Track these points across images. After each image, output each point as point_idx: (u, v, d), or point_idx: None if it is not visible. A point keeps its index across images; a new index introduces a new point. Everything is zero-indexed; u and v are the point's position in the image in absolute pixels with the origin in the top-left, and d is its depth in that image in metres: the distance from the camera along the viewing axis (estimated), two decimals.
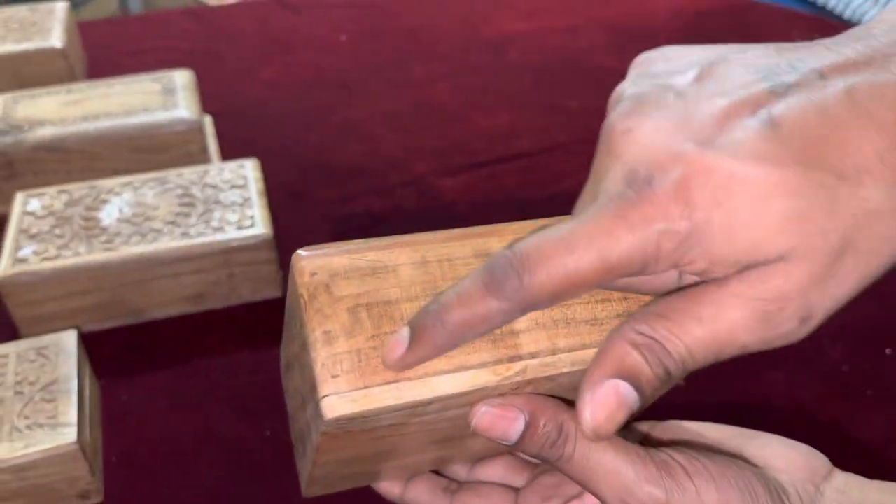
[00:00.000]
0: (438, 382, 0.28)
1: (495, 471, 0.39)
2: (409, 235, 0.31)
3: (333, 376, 0.28)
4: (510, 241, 0.30)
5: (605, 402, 0.27)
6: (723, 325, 0.26)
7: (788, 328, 0.27)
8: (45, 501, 0.48)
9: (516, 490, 0.38)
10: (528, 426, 0.29)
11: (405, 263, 0.30)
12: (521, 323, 0.29)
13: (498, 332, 0.29)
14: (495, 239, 0.31)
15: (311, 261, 0.29)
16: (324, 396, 0.27)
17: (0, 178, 0.70)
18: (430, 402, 0.28)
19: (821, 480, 0.32)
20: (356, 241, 0.30)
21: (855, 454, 0.51)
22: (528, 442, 0.30)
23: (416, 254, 0.30)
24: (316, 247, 0.30)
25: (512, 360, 0.29)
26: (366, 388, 0.28)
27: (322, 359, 0.28)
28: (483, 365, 0.29)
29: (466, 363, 0.29)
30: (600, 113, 0.30)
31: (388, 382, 0.28)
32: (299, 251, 0.30)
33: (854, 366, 0.57)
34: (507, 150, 0.79)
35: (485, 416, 0.29)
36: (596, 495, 0.30)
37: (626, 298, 0.31)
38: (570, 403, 0.30)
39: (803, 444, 0.33)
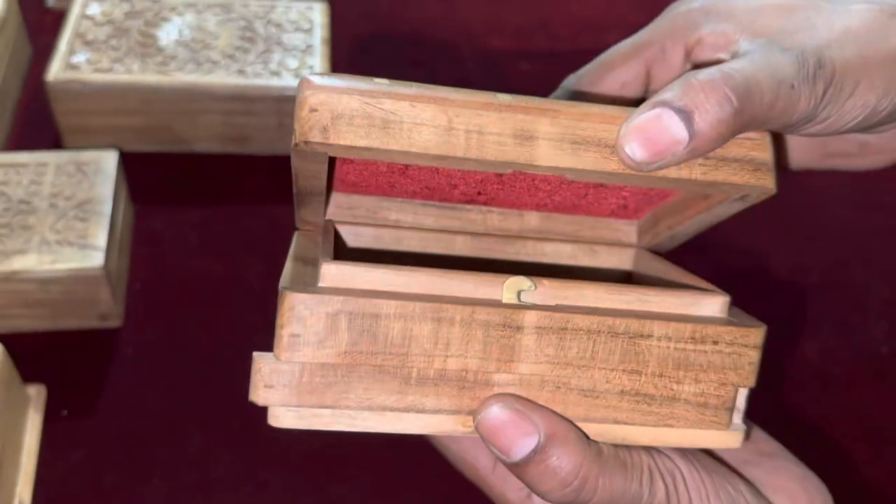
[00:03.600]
0: (389, 419, 0.25)
1: None
2: (443, 89, 0.25)
3: (267, 386, 0.25)
4: (563, 123, 0.25)
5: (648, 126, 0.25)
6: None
7: None
8: (66, 315, 0.49)
9: None
10: (538, 450, 0.25)
11: (426, 124, 0.24)
12: (504, 376, 0.26)
13: (472, 379, 0.26)
14: (546, 120, 0.25)
15: (317, 92, 0.24)
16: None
17: None
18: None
19: None
20: (381, 80, 0.25)
21: (869, 437, 0.50)
22: (532, 470, 0.25)
23: (444, 115, 0.25)
24: (333, 76, 0.25)
25: (471, 414, 0.26)
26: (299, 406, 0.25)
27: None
28: (437, 411, 0.25)
29: (419, 405, 0.25)
30: None
31: (326, 407, 0.25)
32: (310, 76, 0.25)
33: (894, 349, 0.55)
34: (592, 42, 0.74)
35: (494, 418, 0.25)
36: None
37: (638, 373, 0.26)
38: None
39: (812, 475, 0.32)
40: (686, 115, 0.25)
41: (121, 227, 0.51)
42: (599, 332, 0.26)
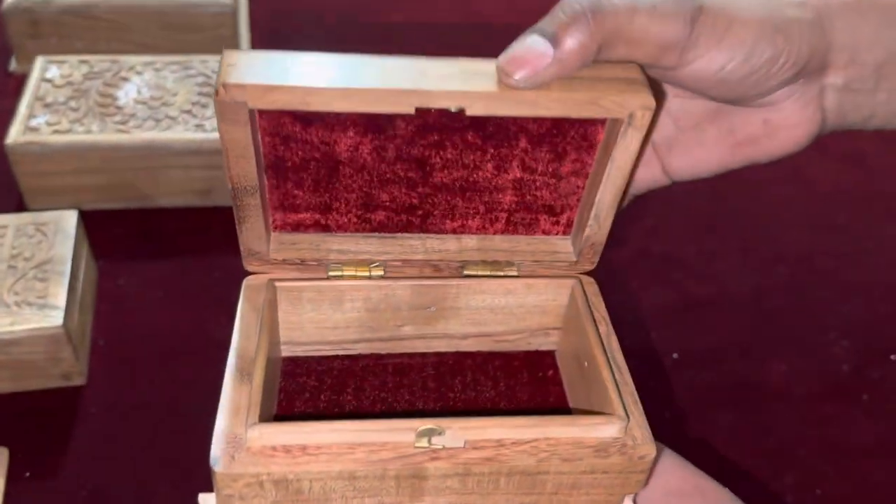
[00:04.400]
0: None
1: None
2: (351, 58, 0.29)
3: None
4: (457, 65, 0.29)
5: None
6: None
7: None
8: (28, 376, 0.49)
9: None
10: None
11: (333, 67, 0.29)
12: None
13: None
14: (442, 63, 0.29)
15: (236, 52, 0.29)
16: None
17: (25, 35, 0.68)
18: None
19: None
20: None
21: (834, 458, 0.50)
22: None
23: (349, 64, 0.29)
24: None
25: None
26: None
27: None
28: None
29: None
30: None
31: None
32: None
33: (855, 367, 0.55)
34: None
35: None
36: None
37: (537, 494, 0.31)
38: None
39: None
40: (550, 34, 0.29)
41: (82, 285, 0.51)
42: (500, 473, 0.29)
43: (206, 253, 0.59)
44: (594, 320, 0.34)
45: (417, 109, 0.29)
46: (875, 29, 0.32)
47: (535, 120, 0.32)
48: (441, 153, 0.33)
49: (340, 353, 0.37)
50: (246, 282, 0.35)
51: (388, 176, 0.33)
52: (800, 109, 0.33)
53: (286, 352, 0.37)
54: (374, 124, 0.31)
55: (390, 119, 0.31)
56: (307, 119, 0.31)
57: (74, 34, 0.69)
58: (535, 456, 0.29)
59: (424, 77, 0.29)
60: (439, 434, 0.29)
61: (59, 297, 0.48)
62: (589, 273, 0.37)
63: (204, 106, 0.60)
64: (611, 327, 0.35)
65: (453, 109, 0.30)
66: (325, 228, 0.35)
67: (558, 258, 0.36)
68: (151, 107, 0.59)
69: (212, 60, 0.64)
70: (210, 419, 0.52)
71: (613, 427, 0.30)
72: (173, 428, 0.49)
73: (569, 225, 0.36)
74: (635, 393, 0.32)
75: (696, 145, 0.35)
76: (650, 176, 0.37)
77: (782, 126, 0.33)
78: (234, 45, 0.71)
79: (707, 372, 0.55)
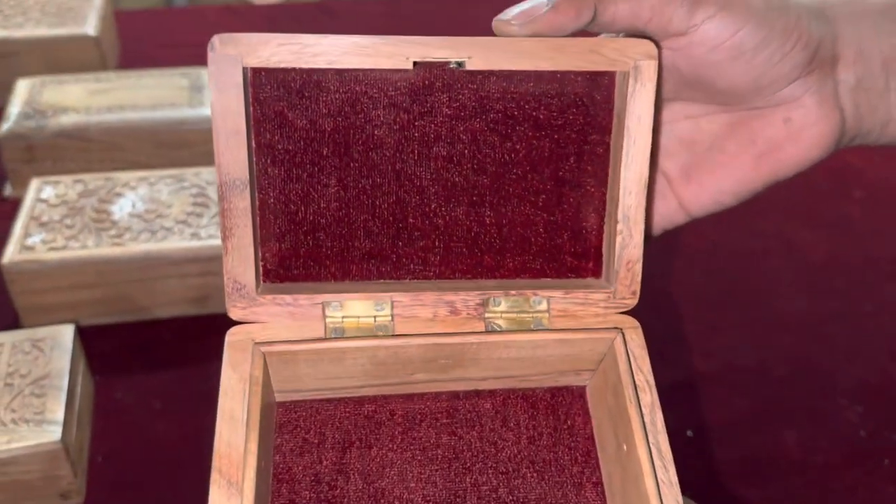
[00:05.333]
0: None
1: None
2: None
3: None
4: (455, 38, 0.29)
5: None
6: None
7: None
8: (25, 498, 0.47)
9: None
10: None
11: (338, 39, 0.29)
12: None
13: None
14: (443, 39, 0.29)
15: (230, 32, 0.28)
16: None
17: (20, 161, 0.70)
18: None
19: None
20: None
21: None
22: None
23: (361, 41, 0.29)
24: None
25: None
26: None
27: None
28: None
29: None
30: None
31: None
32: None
33: (871, 432, 0.54)
34: None
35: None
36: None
37: None
38: None
39: None
40: None
41: (79, 400, 0.50)
42: None
43: (203, 361, 0.58)
44: (637, 390, 0.31)
45: (415, 63, 0.28)
46: (876, 22, 0.33)
47: (544, 105, 0.31)
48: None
49: (343, 396, 0.33)
50: (228, 337, 0.31)
51: (393, 197, 0.31)
52: (818, 106, 0.33)
53: (280, 398, 0.33)
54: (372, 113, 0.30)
55: (391, 107, 0.30)
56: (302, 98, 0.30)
57: (69, 156, 0.70)
58: None
59: (423, 40, 0.29)
60: None
61: (57, 412, 0.47)
62: (632, 313, 0.34)
63: (199, 216, 0.61)
64: (655, 396, 0.31)
65: (453, 63, 0.29)
66: (321, 261, 0.32)
67: (591, 298, 0.33)
68: (146, 219, 0.60)
69: (205, 172, 0.65)
70: None
71: None
72: None
73: (598, 257, 0.33)
74: (680, 499, 0.29)
75: (716, 167, 0.34)
76: (666, 212, 0.35)
77: (803, 125, 0.33)
78: None
79: (722, 448, 0.53)
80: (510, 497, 0.31)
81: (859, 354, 0.60)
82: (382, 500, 0.31)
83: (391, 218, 0.32)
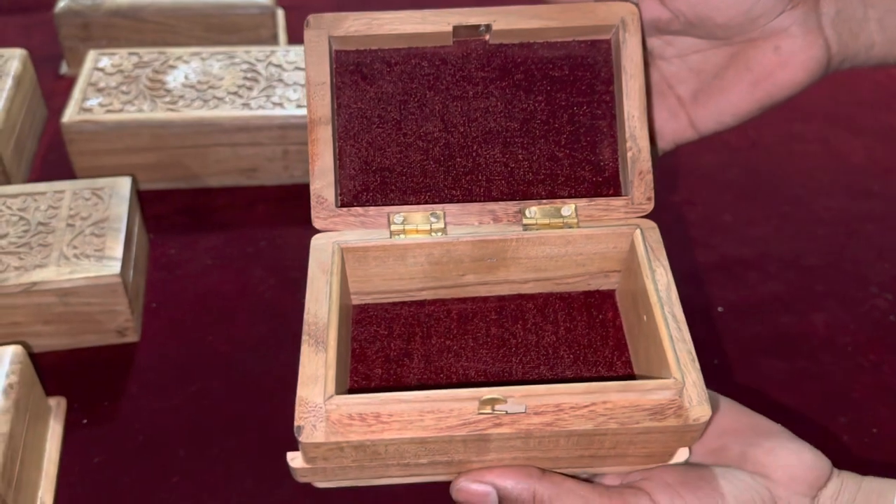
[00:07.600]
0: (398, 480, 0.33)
1: None
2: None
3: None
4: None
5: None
6: None
7: None
8: (86, 330, 0.50)
9: None
10: (501, 499, 0.32)
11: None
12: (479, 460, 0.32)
13: (456, 461, 0.32)
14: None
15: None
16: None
17: (76, 38, 0.72)
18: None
19: (818, 491, 0.33)
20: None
21: (889, 401, 0.50)
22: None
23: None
24: None
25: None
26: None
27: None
28: (433, 474, 0.33)
29: (420, 474, 0.33)
30: None
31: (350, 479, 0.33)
32: None
33: None
34: None
35: (460, 493, 0.32)
36: None
37: (596, 449, 0.32)
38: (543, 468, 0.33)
39: (810, 449, 0.33)
40: None
41: (136, 246, 0.53)
42: (559, 435, 0.31)
43: (251, 226, 0.61)
44: (654, 272, 0.35)
45: (455, 28, 0.36)
46: None
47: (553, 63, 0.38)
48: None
49: (406, 299, 0.39)
50: (313, 241, 0.37)
51: (443, 142, 0.38)
52: (803, 35, 0.37)
53: (356, 300, 0.39)
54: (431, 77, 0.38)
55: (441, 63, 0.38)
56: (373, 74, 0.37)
57: (123, 36, 0.72)
58: (593, 420, 0.31)
59: (459, 10, 0.36)
60: (502, 402, 0.30)
61: (116, 249, 0.49)
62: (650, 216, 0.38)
63: (249, 88, 0.62)
64: (671, 278, 0.35)
65: (482, 27, 0.36)
66: (386, 194, 0.38)
67: (612, 205, 0.38)
68: (199, 89, 0.62)
69: (255, 50, 0.66)
70: (259, 373, 0.53)
71: (669, 391, 0.31)
72: (226, 381, 0.50)
73: (615, 179, 0.38)
74: (693, 351, 0.33)
75: (718, 92, 0.39)
76: (678, 129, 0.40)
77: (791, 52, 0.37)
78: (274, 44, 0.74)
79: (752, 324, 0.55)
80: (550, 373, 0.37)
81: (891, 251, 0.60)
82: (441, 375, 0.36)
83: (441, 158, 0.38)
